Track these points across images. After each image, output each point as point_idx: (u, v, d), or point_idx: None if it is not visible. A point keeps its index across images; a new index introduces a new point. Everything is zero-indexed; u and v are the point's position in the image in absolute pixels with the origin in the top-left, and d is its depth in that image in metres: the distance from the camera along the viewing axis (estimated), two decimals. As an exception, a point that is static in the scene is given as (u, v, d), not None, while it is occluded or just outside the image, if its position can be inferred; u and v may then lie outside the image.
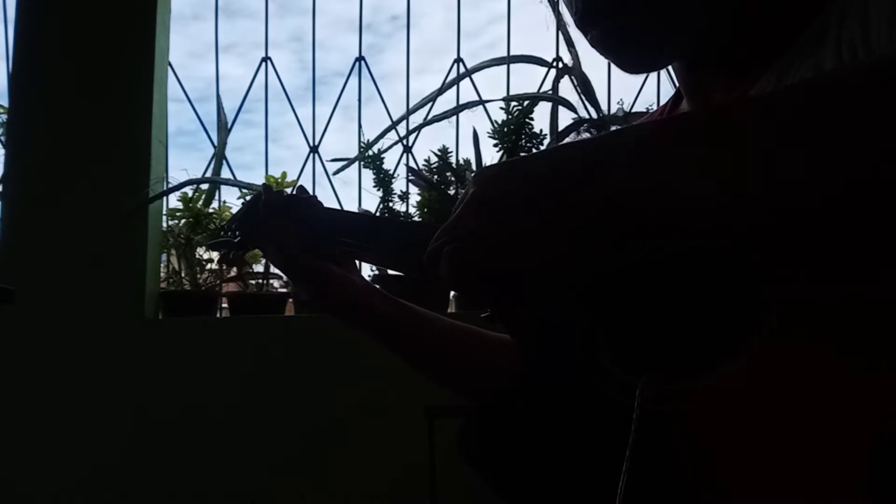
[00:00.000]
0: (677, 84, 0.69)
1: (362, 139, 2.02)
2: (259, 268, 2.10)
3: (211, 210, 2.06)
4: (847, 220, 0.40)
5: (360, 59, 2.16)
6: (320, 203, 0.82)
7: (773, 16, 0.59)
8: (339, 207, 0.87)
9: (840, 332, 0.42)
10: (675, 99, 0.72)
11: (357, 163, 2.03)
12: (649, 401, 0.45)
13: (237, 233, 0.87)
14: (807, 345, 0.42)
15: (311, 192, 0.86)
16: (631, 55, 0.63)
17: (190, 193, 2.03)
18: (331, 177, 2.13)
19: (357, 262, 0.84)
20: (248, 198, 0.94)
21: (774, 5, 0.59)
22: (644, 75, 2.02)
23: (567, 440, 0.50)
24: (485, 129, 1.92)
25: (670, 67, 0.68)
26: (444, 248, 0.49)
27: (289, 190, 2.06)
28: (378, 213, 1.94)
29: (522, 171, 0.48)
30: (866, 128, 0.38)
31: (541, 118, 1.90)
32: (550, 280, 0.48)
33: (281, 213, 0.79)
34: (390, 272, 1.81)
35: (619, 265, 0.47)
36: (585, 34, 0.62)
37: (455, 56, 2.12)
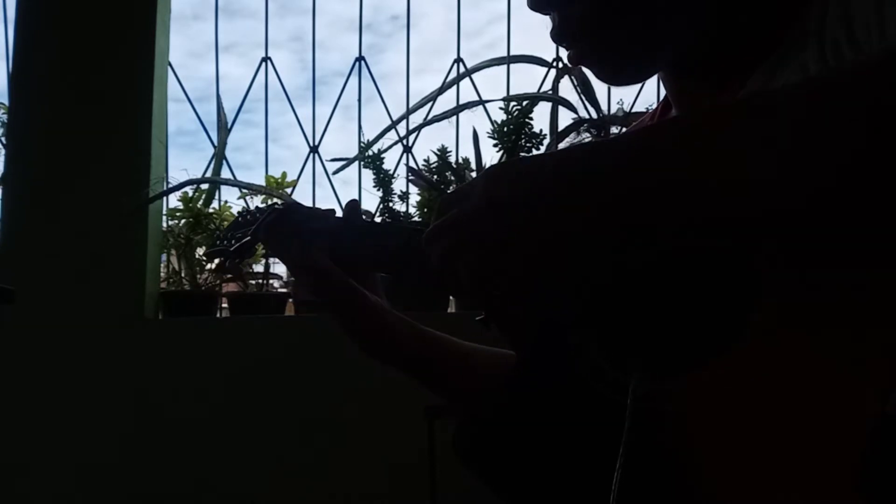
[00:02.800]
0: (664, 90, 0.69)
1: (362, 139, 2.02)
2: (259, 268, 2.10)
3: (211, 210, 2.06)
4: (839, 210, 0.40)
5: (360, 58, 2.16)
6: (358, 215, 0.79)
7: (755, 24, 0.58)
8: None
9: (830, 332, 0.42)
10: (666, 103, 0.72)
11: (357, 163, 2.03)
12: (642, 398, 0.45)
13: (233, 241, 0.85)
14: (798, 343, 0.42)
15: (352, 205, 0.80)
16: (610, 71, 0.63)
17: (190, 193, 2.03)
18: (331, 177, 2.13)
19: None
20: (253, 205, 0.92)
21: (755, 14, 0.59)
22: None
23: (562, 439, 0.50)
24: (485, 129, 1.93)
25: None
26: (462, 253, 0.48)
27: (288, 190, 2.07)
28: (379, 216, 1.94)
29: (530, 172, 0.47)
30: (857, 117, 0.38)
31: (541, 118, 1.91)
32: (553, 280, 0.48)
33: (317, 234, 0.75)
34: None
35: (612, 263, 0.47)
36: (566, 50, 0.62)
37: (455, 56, 2.12)
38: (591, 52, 0.61)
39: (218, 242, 0.89)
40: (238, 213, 0.93)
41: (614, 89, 2.03)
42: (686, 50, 0.61)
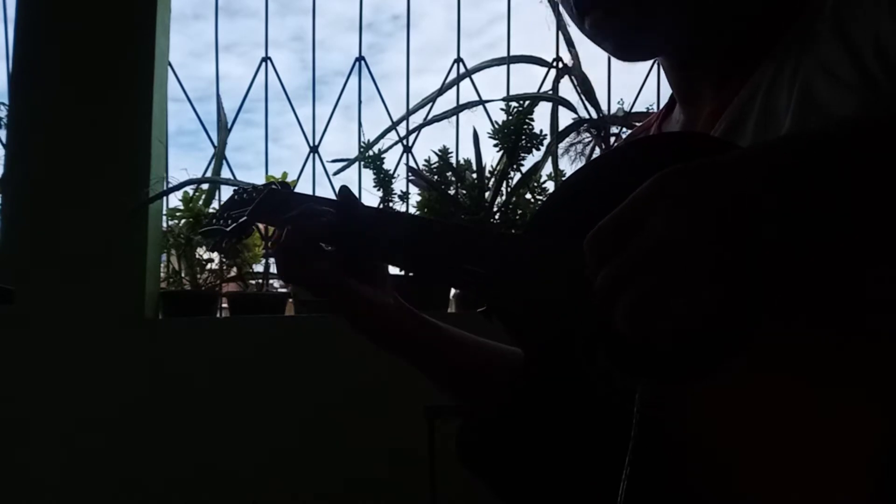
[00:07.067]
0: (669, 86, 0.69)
1: (362, 139, 2.02)
2: (259, 267, 2.10)
3: (211, 210, 2.06)
4: None
5: (361, 58, 2.16)
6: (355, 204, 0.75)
7: (760, 15, 0.58)
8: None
9: (839, 338, 0.41)
10: (669, 105, 0.72)
11: (357, 163, 2.03)
12: (647, 405, 0.45)
13: (229, 221, 0.85)
14: (806, 352, 0.42)
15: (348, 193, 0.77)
16: (625, 41, 0.63)
17: (190, 193, 2.03)
18: (331, 177, 2.13)
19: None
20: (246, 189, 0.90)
21: (759, 6, 0.59)
22: (644, 75, 2.02)
23: (566, 443, 0.50)
24: (485, 129, 1.93)
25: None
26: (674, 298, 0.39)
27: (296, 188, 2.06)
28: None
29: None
30: None
31: (541, 118, 1.90)
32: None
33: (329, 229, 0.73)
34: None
35: None
36: (581, 21, 0.63)
37: (455, 56, 2.12)
38: (607, 17, 0.61)
39: (213, 222, 0.88)
40: (234, 191, 0.91)
41: (614, 89, 2.03)
42: (692, 30, 0.61)
